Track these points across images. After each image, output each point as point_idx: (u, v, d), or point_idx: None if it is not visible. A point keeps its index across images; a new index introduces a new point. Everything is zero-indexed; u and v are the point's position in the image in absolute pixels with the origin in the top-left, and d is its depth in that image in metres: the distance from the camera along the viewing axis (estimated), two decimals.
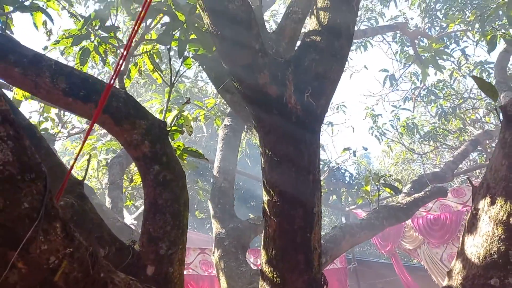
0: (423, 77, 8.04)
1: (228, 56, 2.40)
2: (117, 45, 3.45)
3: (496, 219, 1.48)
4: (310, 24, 2.61)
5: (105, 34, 3.44)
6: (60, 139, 5.88)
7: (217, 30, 2.34)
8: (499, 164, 1.61)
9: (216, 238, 4.61)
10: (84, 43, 3.53)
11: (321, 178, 8.71)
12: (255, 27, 2.36)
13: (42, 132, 5.01)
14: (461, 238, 1.70)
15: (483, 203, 1.60)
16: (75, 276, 1.10)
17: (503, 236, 1.46)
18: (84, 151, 6.18)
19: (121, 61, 1.44)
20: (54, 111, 5.49)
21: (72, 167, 1.92)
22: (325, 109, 2.54)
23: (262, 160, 2.60)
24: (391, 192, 5.15)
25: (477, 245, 1.52)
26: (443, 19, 9.94)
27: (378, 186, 5.11)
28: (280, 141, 2.46)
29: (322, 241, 4.48)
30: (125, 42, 3.56)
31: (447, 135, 11.27)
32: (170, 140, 3.17)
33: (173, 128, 2.98)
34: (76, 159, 1.98)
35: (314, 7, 2.66)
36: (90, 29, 3.34)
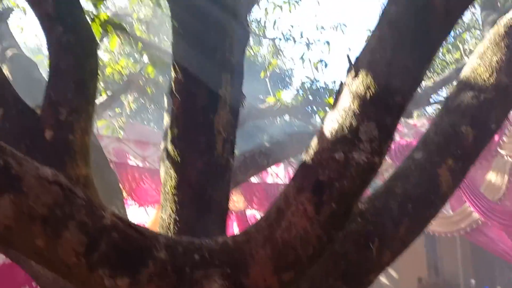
0: None
1: None
2: None
3: (356, 93, 1.37)
4: None
5: None
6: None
7: None
8: (373, 35, 1.46)
9: (165, 131, 4.57)
10: None
11: (299, 94, 8.50)
12: None
13: None
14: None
15: (349, 77, 1.49)
16: None
17: (357, 111, 1.36)
18: None
19: None
20: None
21: None
22: None
23: (172, 34, 2.44)
24: None
25: (334, 120, 1.43)
26: None
27: None
28: (187, 12, 2.28)
29: (267, 144, 4.47)
30: None
31: (445, 66, 10.86)
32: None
33: None
34: None
35: None
36: None
